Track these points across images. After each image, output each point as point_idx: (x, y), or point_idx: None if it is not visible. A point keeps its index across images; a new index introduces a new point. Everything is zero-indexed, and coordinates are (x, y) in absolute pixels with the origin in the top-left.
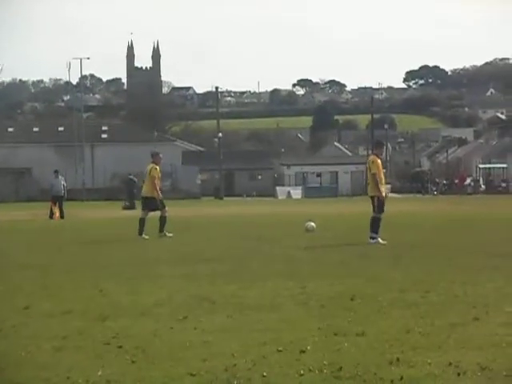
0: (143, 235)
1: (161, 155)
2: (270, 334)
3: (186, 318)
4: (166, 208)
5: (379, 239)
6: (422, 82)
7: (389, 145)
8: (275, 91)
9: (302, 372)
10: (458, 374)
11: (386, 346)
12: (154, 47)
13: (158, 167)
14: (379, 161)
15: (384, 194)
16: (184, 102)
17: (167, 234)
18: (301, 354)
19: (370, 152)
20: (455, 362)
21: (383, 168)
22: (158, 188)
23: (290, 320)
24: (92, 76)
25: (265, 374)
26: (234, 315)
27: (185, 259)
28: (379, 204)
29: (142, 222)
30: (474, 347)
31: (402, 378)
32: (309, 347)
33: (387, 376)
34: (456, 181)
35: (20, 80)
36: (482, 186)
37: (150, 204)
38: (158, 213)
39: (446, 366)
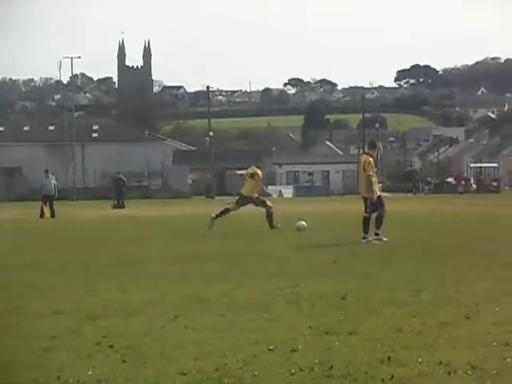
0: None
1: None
2: (261, 334)
3: (178, 317)
4: (269, 203)
5: (369, 238)
6: (413, 81)
7: (380, 144)
8: (266, 90)
9: (292, 371)
10: (449, 373)
11: (377, 344)
12: (145, 46)
13: (259, 170)
14: (372, 161)
15: (377, 194)
16: (175, 101)
17: (278, 225)
18: (292, 353)
19: (361, 151)
20: (446, 361)
21: (375, 167)
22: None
23: (281, 319)
24: (83, 75)
25: (256, 373)
26: (225, 314)
27: (177, 258)
28: (371, 204)
29: (225, 211)
30: (465, 346)
31: (392, 377)
32: (300, 346)
33: (378, 375)
34: (449, 179)
35: (10, 79)
36: (473, 185)
37: (246, 201)
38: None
39: (437, 364)
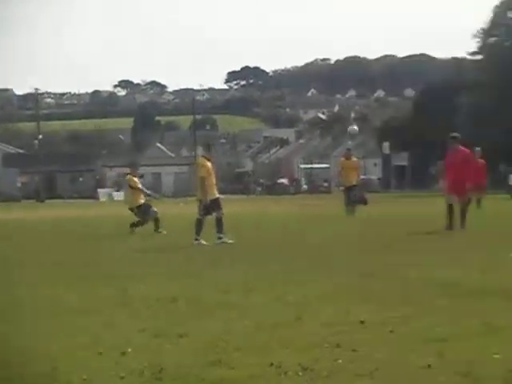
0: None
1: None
2: (91, 337)
3: (8, 321)
4: (155, 209)
5: (202, 240)
6: (243, 82)
7: None
8: (96, 92)
9: (122, 375)
10: (280, 375)
11: (208, 347)
12: None
13: (135, 178)
14: (209, 163)
15: (215, 197)
16: (3, 104)
17: (163, 231)
18: (121, 356)
19: (193, 153)
20: (277, 362)
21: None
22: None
23: (111, 323)
24: None
25: (85, 377)
26: (55, 319)
27: (6, 264)
28: (204, 207)
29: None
30: (297, 348)
31: (223, 380)
32: (129, 349)
33: (208, 377)
34: (281, 180)
35: None
36: (304, 186)
37: (144, 210)
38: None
39: (268, 366)
